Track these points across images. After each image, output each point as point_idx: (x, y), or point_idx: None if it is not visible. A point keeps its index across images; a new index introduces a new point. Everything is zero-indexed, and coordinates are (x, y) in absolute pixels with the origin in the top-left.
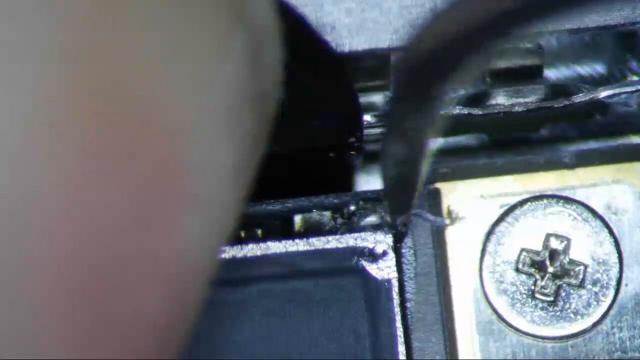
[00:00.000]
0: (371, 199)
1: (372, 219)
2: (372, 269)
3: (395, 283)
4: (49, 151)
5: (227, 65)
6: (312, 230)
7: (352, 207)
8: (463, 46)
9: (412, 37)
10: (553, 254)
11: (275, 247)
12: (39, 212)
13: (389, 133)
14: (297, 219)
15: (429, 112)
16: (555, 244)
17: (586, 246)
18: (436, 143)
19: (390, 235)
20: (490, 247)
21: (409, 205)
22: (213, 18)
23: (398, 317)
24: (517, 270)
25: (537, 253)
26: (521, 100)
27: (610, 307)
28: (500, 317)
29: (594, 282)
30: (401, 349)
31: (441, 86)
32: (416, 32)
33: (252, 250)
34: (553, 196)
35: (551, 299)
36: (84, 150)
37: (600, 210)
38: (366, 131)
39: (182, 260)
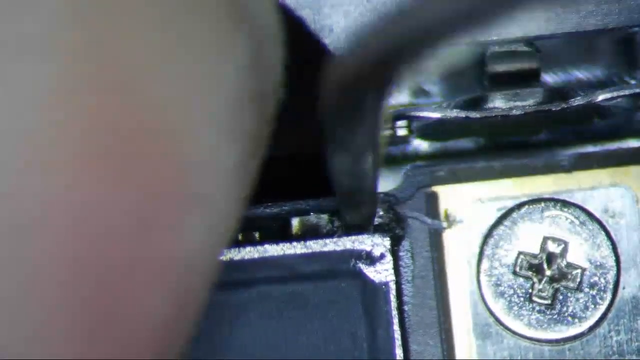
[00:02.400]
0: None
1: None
2: (370, 271)
3: (392, 286)
4: (50, 152)
5: (228, 65)
6: (310, 233)
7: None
8: (395, 59)
9: (345, 49)
10: (550, 257)
11: (273, 250)
12: (40, 213)
13: (329, 146)
14: (295, 221)
15: (367, 126)
16: (552, 247)
17: (583, 249)
18: (434, 146)
19: (388, 238)
20: (488, 250)
21: (368, 217)
22: (214, 18)
23: (395, 320)
24: (515, 273)
25: (535, 256)
26: (519, 103)
27: (607, 310)
28: (497, 320)
29: (592, 286)
30: (399, 351)
31: (374, 100)
32: (349, 44)
33: (250, 253)
34: (551, 199)
35: (548, 302)
36: (85, 150)
37: (597, 213)
38: None
39: (184, 260)
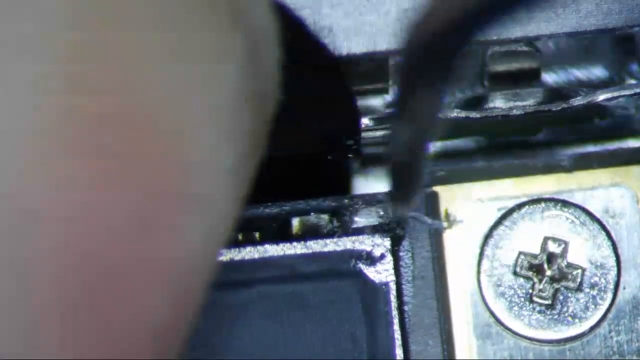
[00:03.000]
0: (369, 202)
1: (369, 220)
2: (370, 272)
3: (393, 286)
4: (49, 152)
5: (226, 66)
6: (310, 233)
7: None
8: (471, 23)
9: (420, 16)
10: (551, 258)
11: (273, 250)
12: (40, 213)
13: (397, 114)
14: (295, 222)
15: (438, 92)
16: (553, 247)
17: (584, 250)
18: (434, 146)
19: (388, 239)
20: (488, 250)
21: (411, 195)
22: (212, 19)
23: (396, 320)
24: (515, 273)
25: (535, 256)
26: (519, 103)
27: (608, 310)
28: (498, 321)
29: (592, 286)
30: (399, 352)
31: (451, 63)
32: (423, 12)
33: (250, 253)
34: (551, 199)
35: (549, 302)
36: (84, 150)
37: (598, 213)
38: (364, 134)
39: (183, 260)
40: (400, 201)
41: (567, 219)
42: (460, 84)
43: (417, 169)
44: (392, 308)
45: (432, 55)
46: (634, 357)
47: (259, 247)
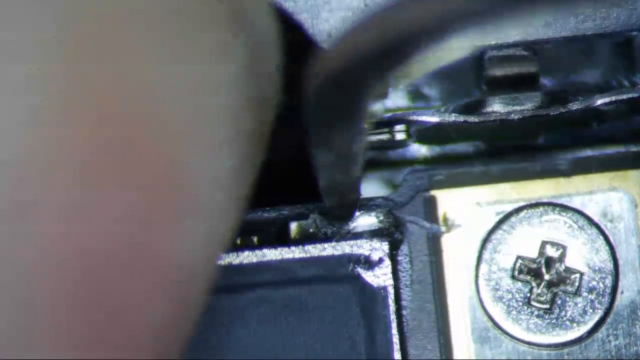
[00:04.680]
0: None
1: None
2: (368, 276)
3: (391, 290)
4: (50, 153)
5: (227, 69)
6: (308, 237)
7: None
8: (381, 57)
9: (331, 45)
10: (549, 262)
11: (271, 254)
12: (39, 214)
13: (312, 142)
14: (293, 226)
15: (351, 123)
16: (551, 251)
17: (582, 254)
18: (432, 150)
19: (386, 243)
20: (486, 254)
21: (349, 211)
22: (213, 22)
23: (394, 324)
24: (513, 277)
25: (533, 261)
26: (517, 108)
27: (606, 314)
28: (496, 325)
29: (590, 290)
30: (397, 356)
31: (359, 97)
32: (336, 41)
33: (248, 257)
34: (549, 204)
35: (547, 306)
36: (84, 152)
37: (596, 217)
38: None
39: (183, 262)
40: (337, 218)
41: (565, 223)
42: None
43: (347, 190)
44: (391, 312)
45: (340, 90)
46: None
47: (257, 251)
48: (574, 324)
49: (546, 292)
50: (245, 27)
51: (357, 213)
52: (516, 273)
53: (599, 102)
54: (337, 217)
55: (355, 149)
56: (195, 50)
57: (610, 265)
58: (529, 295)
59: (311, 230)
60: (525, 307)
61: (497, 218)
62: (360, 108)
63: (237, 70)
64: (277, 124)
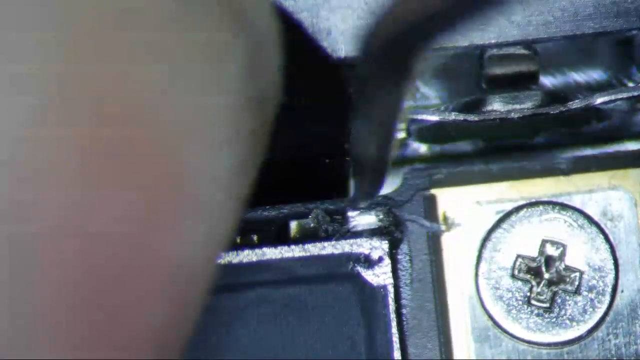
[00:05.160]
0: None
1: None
2: (368, 275)
3: (391, 289)
4: (50, 153)
5: (227, 68)
6: (308, 236)
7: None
8: (428, 24)
9: (375, 21)
10: (549, 261)
11: (271, 253)
12: (39, 214)
13: (356, 111)
14: (293, 225)
15: (397, 92)
16: (551, 250)
17: (582, 253)
18: (432, 149)
19: (386, 241)
20: (486, 253)
21: (376, 189)
22: (214, 21)
23: (394, 323)
24: (513, 276)
25: (533, 259)
26: (517, 106)
27: (606, 313)
28: (495, 324)
29: (590, 289)
30: (397, 354)
31: (409, 63)
32: (382, 12)
33: (248, 256)
34: (549, 202)
35: (547, 305)
36: (84, 152)
37: (596, 216)
38: None
39: (182, 261)
40: (365, 196)
41: (565, 222)
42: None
43: (380, 167)
44: (390, 311)
45: (387, 59)
46: None
47: (257, 250)
48: (574, 323)
49: (546, 291)
50: (245, 27)
51: (357, 212)
52: (516, 272)
53: (599, 100)
54: (364, 194)
55: (394, 121)
56: (195, 50)
57: (610, 264)
58: (528, 294)
59: (312, 225)
60: (525, 306)
61: (497, 217)
62: (409, 71)
63: (237, 70)
64: (277, 124)
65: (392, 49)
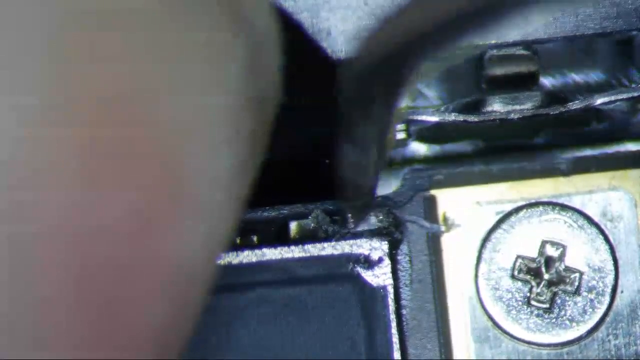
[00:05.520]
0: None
1: (367, 224)
2: (368, 275)
3: (390, 290)
4: (50, 153)
5: (227, 68)
6: (308, 236)
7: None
8: (408, 52)
9: (360, 45)
10: (549, 261)
11: (271, 253)
12: (38, 213)
13: (342, 136)
14: (293, 225)
15: (379, 119)
16: (551, 251)
17: (582, 253)
18: (432, 150)
19: (386, 242)
20: (486, 254)
21: (363, 212)
22: (213, 21)
23: (393, 324)
24: (513, 277)
25: (533, 260)
26: (517, 107)
27: (605, 314)
28: (495, 324)
29: (590, 289)
30: (397, 355)
31: (390, 92)
32: (363, 40)
33: (248, 256)
34: (549, 203)
35: (547, 306)
36: (83, 151)
37: (596, 217)
38: None
39: (182, 261)
40: (355, 214)
41: (565, 222)
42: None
43: (367, 186)
44: (390, 312)
45: (376, 80)
46: None
47: (257, 251)
48: (574, 324)
49: (546, 291)
50: (245, 27)
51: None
52: (516, 272)
53: (599, 101)
54: (351, 215)
55: (381, 146)
56: (195, 50)
57: (610, 265)
58: (528, 294)
59: (312, 225)
60: (525, 307)
61: (497, 217)
62: (399, 91)
63: (237, 70)
64: (277, 124)
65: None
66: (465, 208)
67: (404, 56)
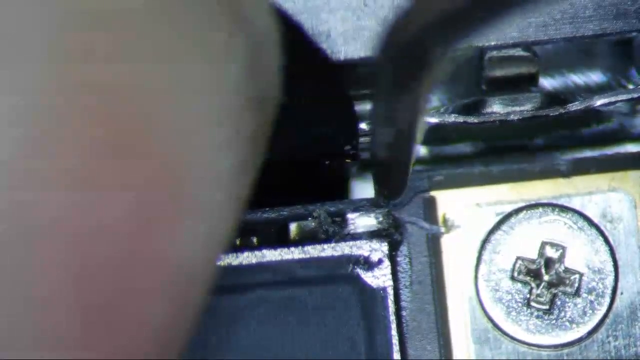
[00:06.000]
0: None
1: (367, 225)
2: (368, 277)
3: (390, 291)
4: (49, 151)
5: (227, 69)
6: (308, 238)
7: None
8: (444, 30)
9: (395, 22)
10: (548, 263)
11: (271, 255)
12: (38, 213)
13: (377, 118)
14: (293, 226)
15: (414, 97)
16: (550, 252)
17: (582, 255)
18: (432, 151)
19: (386, 244)
20: (486, 255)
21: (400, 188)
22: (213, 21)
23: (393, 325)
24: (513, 278)
25: (533, 261)
26: (517, 108)
27: (605, 315)
28: (495, 326)
29: (590, 291)
30: (396, 356)
31: (426, 70)
32: (398, 18)
33: (248, 258)
34: (549, 204)
35: (547, 307)
36: (83, 151)
37: (595, 218)
38: (362, 139)
39: (183, 263)
40: (388, 198)
41: (565, 224)
42: (439, 87)
43: (401, 168)
44: (390, 313)
45: (409, 58)
46: None
47: (257, 252)
48: (574, 325)
49: (546, 293)
50: (245, 27)
51: (357, 214)
52: (516, 274)
53: (599, 102)
54: (386, 196)
55: (414, 125)
56: (195, 51)
57: (609, 266)
58: (528, 296)
59: (312, 226)
60: (525, 308)
61: (497, 219)
62: (428, 77)
63: (237, 70)
64: (277, 124)
65: (412, 49)
66: (465, 209)
67: (438, 33)
